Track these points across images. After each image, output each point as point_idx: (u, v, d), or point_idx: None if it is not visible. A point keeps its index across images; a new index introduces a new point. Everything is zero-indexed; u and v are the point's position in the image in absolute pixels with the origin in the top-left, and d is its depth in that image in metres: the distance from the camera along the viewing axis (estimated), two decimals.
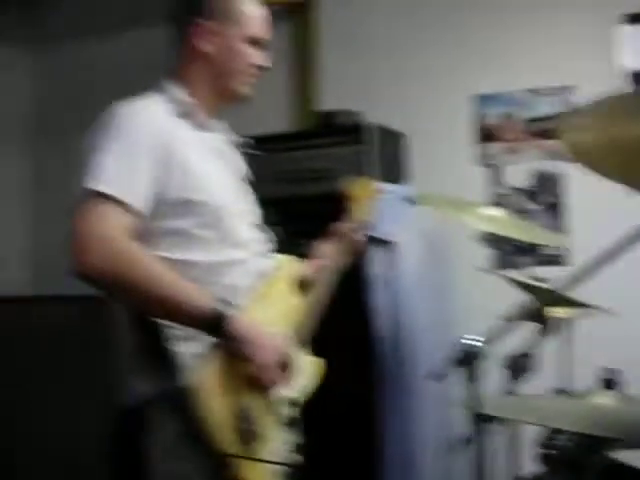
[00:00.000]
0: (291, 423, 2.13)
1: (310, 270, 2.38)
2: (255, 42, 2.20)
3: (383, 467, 3.22)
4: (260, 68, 2.22)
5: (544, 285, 2.26)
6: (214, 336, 1.93)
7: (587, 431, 1.83)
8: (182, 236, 2.03)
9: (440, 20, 4.08)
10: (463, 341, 1.40)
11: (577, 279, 1.38)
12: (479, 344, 1.38)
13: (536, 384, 2.35)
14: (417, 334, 3.28)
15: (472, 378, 1.39)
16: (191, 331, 1.97)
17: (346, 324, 3.09)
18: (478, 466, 2.21)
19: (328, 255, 2.42)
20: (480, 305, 3.60)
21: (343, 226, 2.48)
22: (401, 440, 3.21)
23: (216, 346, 1.92)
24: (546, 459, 2.28)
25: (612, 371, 1.84)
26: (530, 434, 2.23)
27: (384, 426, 3.17)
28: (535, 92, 3.90)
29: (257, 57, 2.21)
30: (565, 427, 1.95)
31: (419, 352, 3.31)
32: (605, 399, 1.80)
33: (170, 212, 2.01)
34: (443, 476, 3.40)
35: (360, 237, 2.51)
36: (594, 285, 2.68)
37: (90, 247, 1.85)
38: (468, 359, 1.38)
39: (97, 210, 1.90)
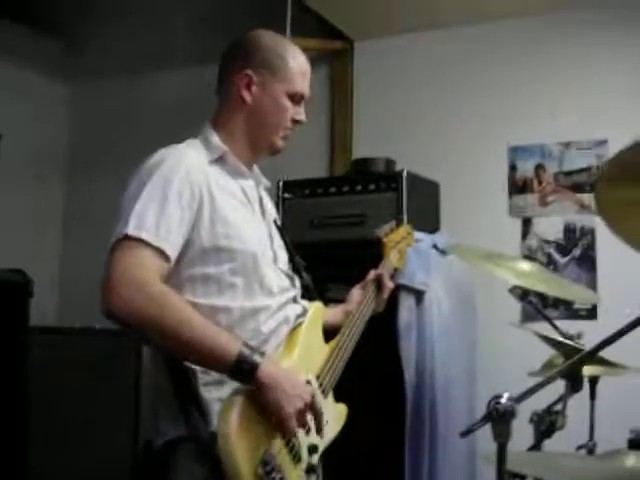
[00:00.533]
0: (314, 470, 2.12)
1: (338, 315, 2.39)
2: (296, 97, 2.23)
3: None
4: (296, 122, 2.26)
5: (575, 342, 2.25)
6: (240, 381, 1.93)
7: None
8: (212, 282, 2.05)
9: (476, 72, 4.12)
10: (494, 397, 1.40)
11: (611, 340, 1.38)
12: (509, 401, 1.38)
13: (563, 441, 2.34)
14: (446, 385, 3.27)
15: (501, 435, 1.39)
16: (220, 376, 1.99)
17: (375, 371, 3.09)
18: None
19: (359, 301, 2.43)
20: (508, 359, 3.60)
21: (376, 273, 2.50)
22: None
23: (242, 392, 1.93)
24: None
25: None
26: None
27: (410, 476, 3.14)
28: (568, 145, 3.91)
29: (296, 112, 2.24)
30: None
31: (447, 404, 3.29)
32: (633, 460, 1.79)
33: (201, 258, 2.04)
34: None
35: (391, 285, 2.52)
36: (623, 342, 2.70)
37: (122, 289, 1.87)
38: (498, 416, 1.38)
39: (132, 253, 1.92)
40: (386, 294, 2.50)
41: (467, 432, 1.41)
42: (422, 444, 3.16)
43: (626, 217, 1.56)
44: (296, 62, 2.23)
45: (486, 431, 1.44)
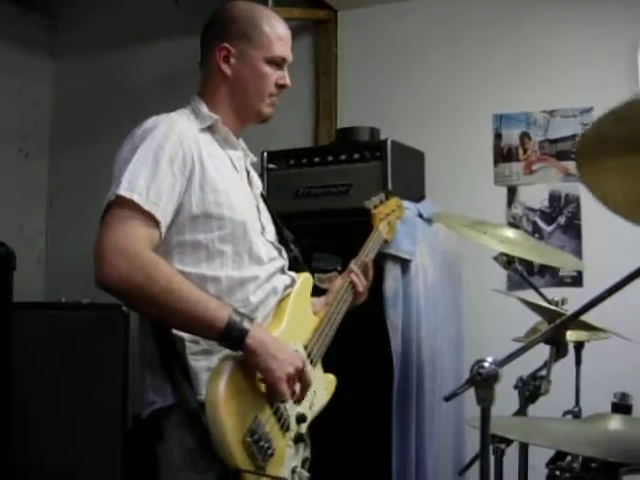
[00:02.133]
0: (302, 439, 2.14)
1: (319, 306, 2.40)
2: (277, 62, 2.24)
3: None
4: (281, 87, 2.26)
5: (559, 308, 2.27)
6: (230, 348, 1.95)
7: (597, 455, 1.83)
8: (201, 249, 2.06)
9: (461, 40, 4.10)
10: (476, 361, 1.41)
11: (593, 304, 1.39)
12: (493, 366, 1.39)
13: (548, 406, 2.36)
14: (432, 353, 3.28)
15: (484, 400, 1.40)
16: (208, 345, 2.00)
17: (362, 341, 3.11)
18: None
19: (343, 288, 2.44)
20: (494, 326, 3.62)
21: (360, 261, 2.50)
22: (415, 459, 3.21)
23: (231, 360, 1.94)
24: None
25: (624, 395, 1.85)
26: (540, 455, 2.23)
27: (398, 444, 3.16)
28: (553, 113, 3.91)
29: (280, 77, 2.25)
30: (575, 451, 1.95)
31: (434, 371, 3.31)
32: (616, 423, 1.81)
33: (191, 225, 2.05)
34: None
35: (374, 277, 2.53)
36: (607, 308, 2.73)
37: (113, 258, 1.89)
38: (481, 380, 1.39)
39: (123, 222, 1.93)
40: (368, 285, 2.51)
41: (450, 396, 1.42)
42: (409, 412, 3.18)
43: (608, 183, 1.58)
44: (272, 28, 2.24)
45: (474, 397, 1.45)
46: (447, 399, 1.41)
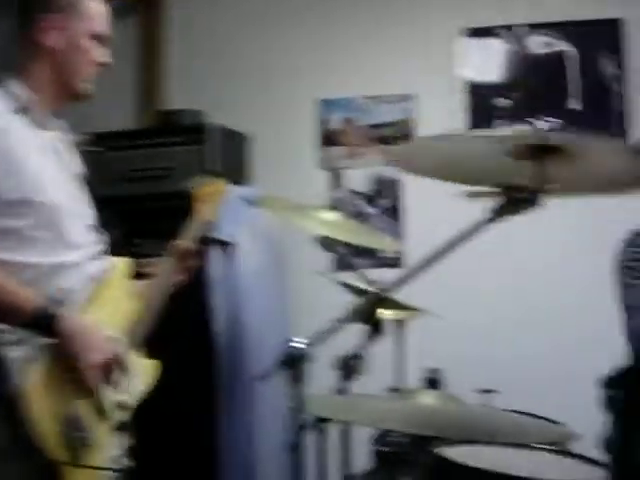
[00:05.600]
0: (123, 427, 2.11)
1: (143, 287, 2.36)
2: (97, 38, 2.17)
3: (222, 468, 3.23)
4: (101, 65, 2.20)
5: (373, 287, 2.32)
6: (42, 335, 1.90)
7: (411, 430, 1.90)
8: (14, 236, 1.99)
9: (286, 24, 4.12)
10: (288, 343, 1.43)
11: (402, 281, 1.44)
12: (303, 346, 1.41)
13: (369, 384, 2.41)
14: (256, 335, 3.30)
15: (296, 379, 1.42)
16: (22, 335, 1.94)
17: (185, 324, 3.08)
18: (314, 466, 2.27)
19: (164, 273, 2.41)
20: (316, 307, 3.67)
21: (181, 245, 2.47)
22: (240, 441, 3.22)
23: (45, 349, 1.89)
24: (378, 456, 2.35)
25: (435, 370, 1.92)
26: (364, 432, 2.29)
27: (223, 427, 3.17)
28: (376, 99, 4.00)
29: (99, 53, 2.18)
30: (391, 427, 2.01)
31: (258, 353, 3.33)
32: (429, 398, 1.87)
33: (3, 211, 1.97)
34: (281, 477, 3.44)
35: (196, 261, 2.50)
36: (425, 287, 2.82)
37: None
38: (292, 361, 1.41)
39: None
40: (191, 268, 2.49)
41: (263, 377, 1.43)
42: (236, 394, 3.20)
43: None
44: (93, 3, 2.17)
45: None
46: (259, 379, 1.41)
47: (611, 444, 1.55)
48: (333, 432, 2.38)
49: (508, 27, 3.90)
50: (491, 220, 1.37)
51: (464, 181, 1.53)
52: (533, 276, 3.76)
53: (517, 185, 1.32)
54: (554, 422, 2.32)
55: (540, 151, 1.35)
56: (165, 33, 4.29)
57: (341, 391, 2.20)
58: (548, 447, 2.14)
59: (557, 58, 3.88)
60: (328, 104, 4.05)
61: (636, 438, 1.45)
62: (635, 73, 3.80)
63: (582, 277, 3.62)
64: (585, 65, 3.84)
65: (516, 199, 1.32)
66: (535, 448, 2.12)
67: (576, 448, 2.19)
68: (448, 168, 1.53)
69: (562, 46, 3.88)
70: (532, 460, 2.02)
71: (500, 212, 1.34)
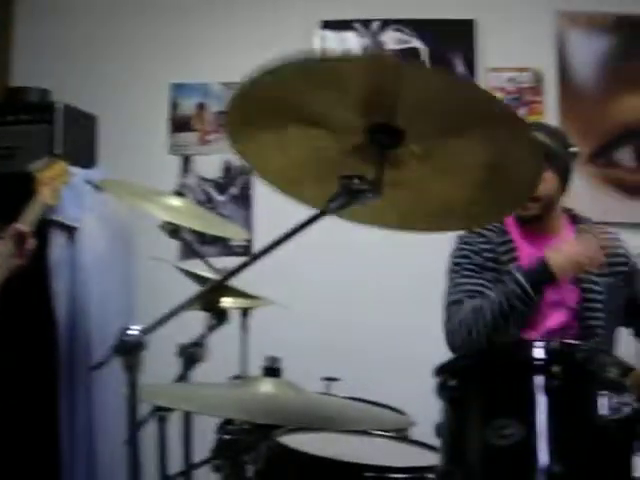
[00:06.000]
0: None
1: None
2: None
3: (64, 457, 3.14)
4: None
5: (214, 276, 2.31)
6: None
7: (250, 418, 1.89)
8: None
9: (140, 7, 4.04)
10: (123, 329, 1.40)
11: (240, 269, 1.42)
12: (138, 333, 1.38)
13: (214, 373, 2.40)
14: (98, 322, 3.23)
15: (131, 367, 1.39)
16: None
17: (25, 310, 2.99)
18: (155, 455, 2.23)
19: (0, 256, 2.33)
20: (160, 295, 3.62)
21: (19, 228, 2.39)
22: (85, 430, 3.15)
23: None
24: (220, 445, 2.33)
25: (275, 359, 1.92)
26: (206, 421, 2.27)
27: (66, 416, 3.09)
28: (230, 85, 3.97)
29: None
30: (231, 415, 2.01)
31: (103, 341, 3.25)
32: (268, 386, 1.87)
33: None
34: (122, 465, 3.37)
35: (32, 243, 2.43)
36: (269, 277, 2.83)
37: None
38: (127, 348, 1.38)
39: None
40: (27, 251, 2.41)
41: (97, 366, 1.40)
42: (78, 382, 3.12)
43: (264, 157, 1.60)
44: None
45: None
46: (93, 368, 1.38)
47: (442, 430, 1.59)
48: (175, 421, 2.36)
49: (364, 21, 3.95)
50: (331, 210, 1.37)
51: (302, 171, 1.53)
52: (372, 265, 3.84)
53: (355, 175, 1.33)
54: (393, 409, 2.38)
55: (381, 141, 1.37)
56: (13, 10, 4.12)
57: (182, 379, 2.18)
58: (387, 434, 2.19)
59: (410, 54, 3.95)
60: (181, 89, 4.00)
61: (464, 424, 1.50)
62: (485, 73, 3.93)
63: (418, 265, 3.70)
64: (437, 63, 3.92)
65: (354, 189, 1.33)
66: (375, 435, 2.16)
67: (415, 435, 2.26)
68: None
69: (415, 43, 3.96)
70: (372, 447, 2.05)
71: (338, 202, 1.34)
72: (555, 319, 2.59)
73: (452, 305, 2.58)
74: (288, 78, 1.38)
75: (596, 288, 2.57)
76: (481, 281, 2.58)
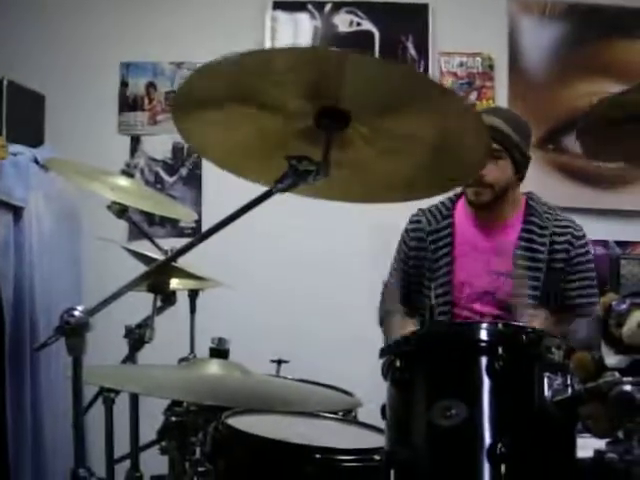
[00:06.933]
0: None
1: None
2: None
3: (11, 437, 3.11)
4: None
5: (161, 257, 2.30)
6: None
7: (197, 400, 1.89)
8: None
9: None
10: (66, 309, 1.38)
11: (185, 250, 1.42)
12: (82, 314, 1.37)
13: (166, 354, 2.39)
14: (45, 302, 3.20)
15: (74, 349, 1.37)
16: None
17: None
18: (102, 436, 2.22)
19: None
20: (107, 276, 3.58)
21: None
22: (30, 413, 3.12)
23: None
24: (167, 427, 2.32)
25: (222, 340, 1.91)
26: (154, 403, 2.25)
27: (12, 399, 3.05)
28: (180, 65, 3.93)
29: None
30: (178, 397, 2.00)
31: (50, 321, 3.22)
32: (215, 368, 1.87)
33: None
34: (69, 447, 3.35)
35: None
36: (217, 259, 2.82)
37: None
38: (71, 329, 1.36)
39: None
40: None
41: (41, 346, 1.38)
42: (24, 364, 3.08)
43: (207, 136, 1.60)
44: None
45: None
46: (37, 349, 1.36)
47: (388, 411, 1.60)
48: (122, 403, 2.35)
49: (317, 3, 3.94)
50: (278, 190, 1.37)
51: (248, 151, 1.53)
52: (321, 246, 3.86)
53: (302, 156, 1.33)
54: (342, 391, 2.39)
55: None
56: None
57: (130, 361, 2.17)
58: (336, 416, 2.19)
59: (363, 37, 3.95)
60: (131, 67, 3.95)
61: (409, 405, 1.51)
62: (437, 57, 3.94)
63: (368, 246, 3.72)
64: (389, 46, 3.93)
65: (301, 170, 1.32)
66: (323, 417, 2.16)
67: (364, 416, 2.27)
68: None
69: (368, 26, 3.96)
70: (320, 429, 2.06)
71: (286, 182, 1.34)
72: (485, 309, 2.63)
73: (385, 287, 2.69)
74: (238, 67, 1.37)
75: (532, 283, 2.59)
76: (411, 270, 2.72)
